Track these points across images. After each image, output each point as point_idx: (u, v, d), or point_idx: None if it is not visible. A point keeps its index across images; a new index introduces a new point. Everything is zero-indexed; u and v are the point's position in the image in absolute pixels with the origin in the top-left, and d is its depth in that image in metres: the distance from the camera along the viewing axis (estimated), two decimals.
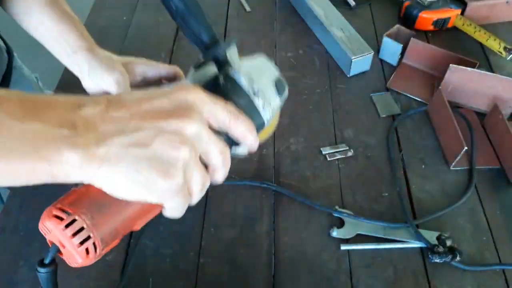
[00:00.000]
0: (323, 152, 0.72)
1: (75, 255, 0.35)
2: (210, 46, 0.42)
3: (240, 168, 0.69)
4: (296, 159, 0.72)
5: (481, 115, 0.77)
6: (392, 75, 0.84)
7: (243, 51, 0.93)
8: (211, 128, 0.37)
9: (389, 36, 0.85)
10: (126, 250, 0.62)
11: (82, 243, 0.34)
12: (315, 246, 0.62)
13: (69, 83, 0.83)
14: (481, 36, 0.85)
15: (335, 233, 0.62)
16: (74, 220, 0.34)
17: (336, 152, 0.72)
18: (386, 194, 0.67)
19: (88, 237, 0.34)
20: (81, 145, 0.32)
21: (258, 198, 0.67)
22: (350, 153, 0.72)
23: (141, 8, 0.98)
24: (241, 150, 0.43)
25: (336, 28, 0.86)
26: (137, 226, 0.38)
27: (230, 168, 0.39)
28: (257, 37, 0.92)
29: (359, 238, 0.62)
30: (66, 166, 0.32)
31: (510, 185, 0.68)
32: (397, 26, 0.86)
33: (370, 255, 0.61)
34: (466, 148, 0.66)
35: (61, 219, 0.34)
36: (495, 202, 0.66)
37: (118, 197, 0.34)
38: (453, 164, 0.70)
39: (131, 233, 0.63)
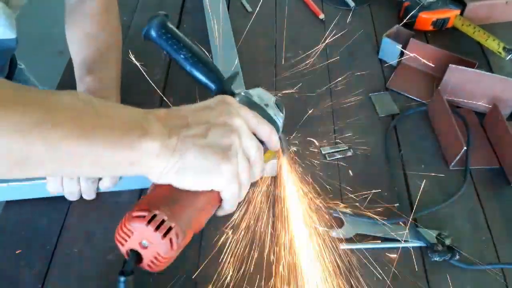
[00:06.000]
0: (323, 152, 0.72)
1: (161, 248, 0.38)
2: (219, 85, 0.52)
3: None
4: (296, 159, 0.72)
5: (480, 115, 0.77)
6: (392, 75, 0.84)
7: (243, 52, 0.93)
8: None
9: (388, 36, 0.85)
10: None
11: (165, 234, 0.38)
12: (314, 245, 0.62)
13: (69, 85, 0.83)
14: (480, 36, 0.86)
15: (334, 233, 0.63)
16: (155, 215, 0.38)
17: (336, 152, 0.72)
18: (385, 193, 0.67)
19: (170, 228, 0.38)
20: (158, 135, 0.39)
21: (257, 198, 0.67)
22: (349, 153, 0.72)
23: (141, 8, 0.98)
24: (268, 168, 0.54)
25: None
26: (203, 220, 0.43)
27: None
28: (257, 37, 0.92)
29: (359, 238, 0.62)
30: (145, 154, 0.38)
31: (509, 185, 0.68)
32: (397, 26, 0.87)
33: (369, 254, 0.61)
34: (465, 148, 0.66)
35: (143, 216, 0.38)
36: (494, 202, 0.66)
37: (186, 187, 0.40)
38: (452, 164, 0.70)
39: None
